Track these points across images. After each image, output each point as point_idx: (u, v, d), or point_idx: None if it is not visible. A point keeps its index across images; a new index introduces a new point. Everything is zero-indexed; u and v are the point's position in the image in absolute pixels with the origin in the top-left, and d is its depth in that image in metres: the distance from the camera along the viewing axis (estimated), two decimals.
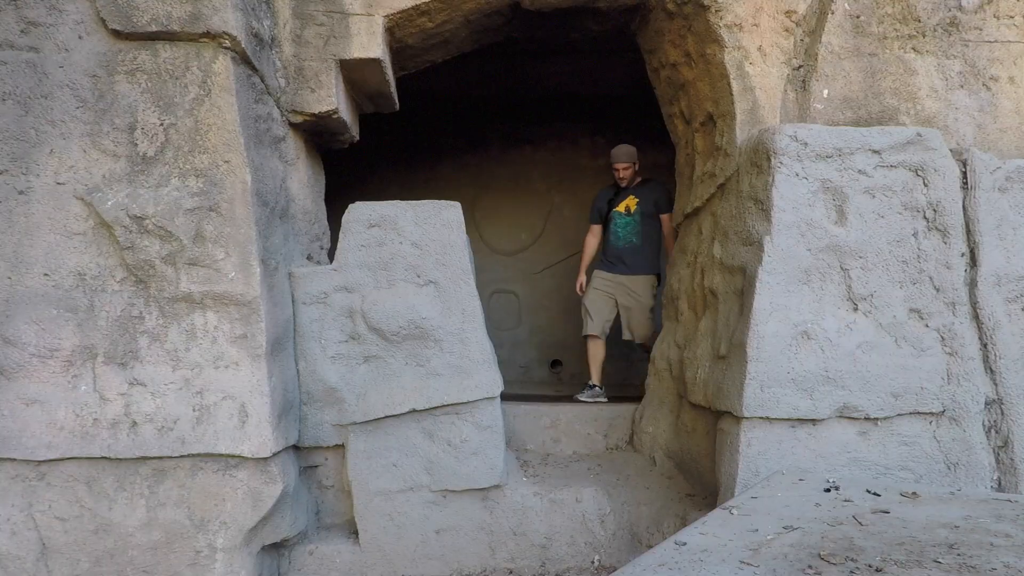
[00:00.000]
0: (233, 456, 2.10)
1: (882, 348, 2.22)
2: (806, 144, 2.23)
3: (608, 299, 3.74)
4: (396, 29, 2.65)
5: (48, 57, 2.02)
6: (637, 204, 3.77)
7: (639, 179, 3.86)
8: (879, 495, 0.91)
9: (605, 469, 2.95)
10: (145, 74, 2.05)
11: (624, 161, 3.73)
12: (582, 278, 3.87)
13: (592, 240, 3.92)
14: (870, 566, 0.66)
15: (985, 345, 2.28)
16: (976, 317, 2.29)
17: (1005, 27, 2.59)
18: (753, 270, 2.25)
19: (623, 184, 3.77)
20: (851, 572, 0.65)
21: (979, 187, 2.32)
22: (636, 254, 3.74)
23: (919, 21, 2.54)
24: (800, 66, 2.59)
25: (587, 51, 4.05)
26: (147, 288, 2.07)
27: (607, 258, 3.83)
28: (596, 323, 3.71)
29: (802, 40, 2.59)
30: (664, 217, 3.74)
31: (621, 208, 3.79)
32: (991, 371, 2.28)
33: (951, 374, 2.23)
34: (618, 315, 3.77)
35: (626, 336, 3.80)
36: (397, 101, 3.02)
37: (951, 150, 2.35)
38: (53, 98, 2.03)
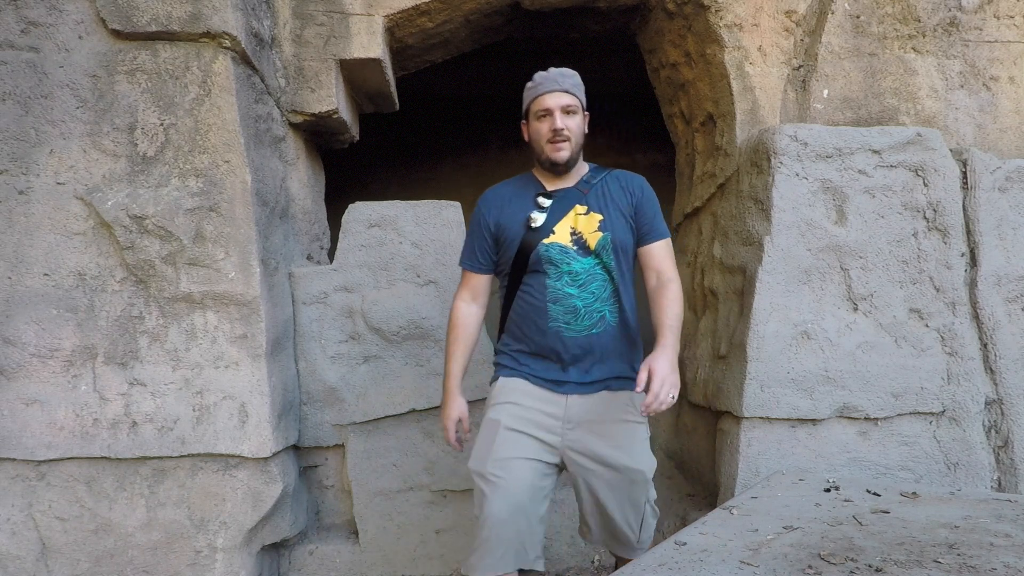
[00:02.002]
0: (233, 456, 2.10)
1: (882, 348, 2.22)
2: (806, 144, 2.23)
3: (538, 454, 1.62)
4: (396, 29, 2.65)
5: (48, 57, 2.02)
6: (602, 225, 1.68)
7: (586, 166, 1.79)
8: (879, 495, 0.91)
9: None
10: (145, 74, 2.05)
11: (564, 91, 1.68)
12: (453, 412, 1.76)
13: (468, 312, 1.80)
14: (870, 566, 0.66)
15: (985, 345, 2.28)
16: (976, 317, 2.29)
17: (1005, 27, 2.59)
18: (753, 270, 2.25)
19: (559, 161, 1.68)
20: (851, 572, 0.65)
21: (979, 187, 2.32)
22: (612, 347, 1.69)
23: (919, 21, 2.54)
24: (800, 66, 2.59)
25: (587, 51, 4.05)
26: (147, 288, 2.07)
27: (537, 353, 1.70)
28: (504, 544, 1.53)
29: (802, 40, 2.59)
30: (655, 248, 1.72)
31: (563, 236, 1.68)
32: (991, 371, 2.28)
33: (951, 374, 2.23)
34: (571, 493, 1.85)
35: (599, 539, 1.72)
36: (397, 101, 3.02)
37: (951, 150, 2.35)
38: (53, 98, 2.03)
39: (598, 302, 1.69)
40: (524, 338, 1.74)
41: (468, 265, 1.82)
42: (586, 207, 1.73)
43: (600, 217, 1.71)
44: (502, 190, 1.84)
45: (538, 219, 1.71)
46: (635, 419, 1.69)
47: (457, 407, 1.78)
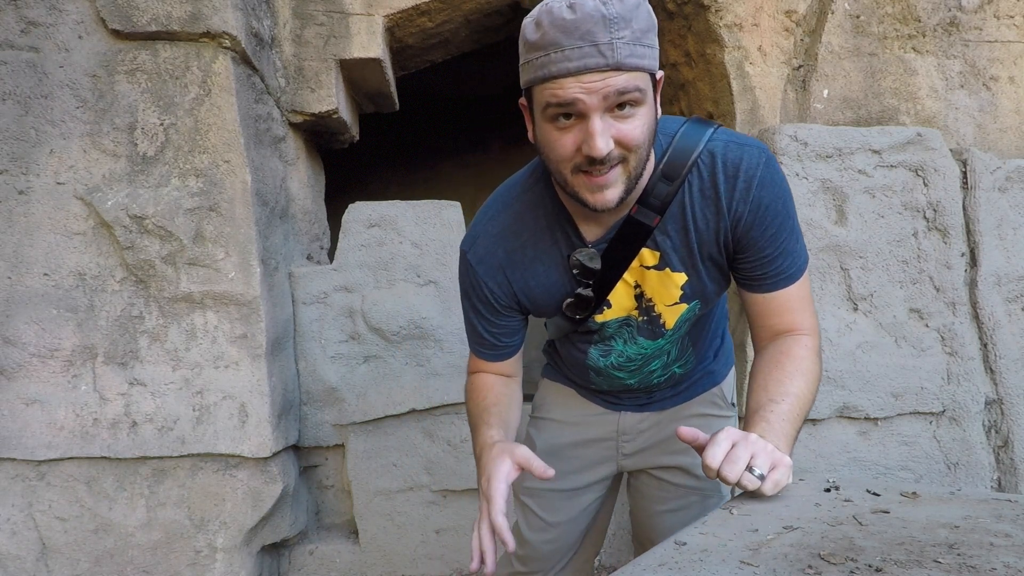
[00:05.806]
0: (233, 456, 2.10)
1: (882, 348, 2.22)
2: (806, 144, 2.23)
3: (579, 481, 1.32)
4: (396, 29, 2.65)
5: (48, 57, 2.02)
6: (687, 292, 1.04)
7: (652, 164, 0.95)
8: (879, 495, 0.91)
9: None
10: (145, 74, 2.05)
11: (614, 67, 0.77)
12: (498, 508, 0.91)
13: (496, 380, 1.18)
14: (870, 566, 0.66)
15: (985, 345, 2.28)
16: (976, 317, 2.29)
17: (1005, 27, 2.59)
18: None
19: (603, 207, 0.88)
20: (851, 572, 0.65)
21: (979, 187, 2.32)
22: (683, 381, 1.27)
23: (919, 21, 2.54)
24: (800, 66, 2.59)
25: None
26: (147, 288, 2.07)
27: (589, 385, 1.29)
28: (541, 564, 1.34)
29: (802, 40, 2.59)
30: (776, 299, 1.02)
31: (624, 303, 1.06)
32: (991, 371, 2.28)
33: (951, 374, 2.23)
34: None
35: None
36: (397, 101, 3.02)
37: (951, 150, 2.35)
38: (53, 98, 2.03)
39: (656, 374, 1.21)
40: (565, 369, 1.35)
41: (486, 356, 1.19)
42: (658, 255, 1.00)
43: (684, 278, 1.02)
44: (505, 239, 1.05)
45: (583, 303, 1.04)
46: (716, 412, 1.28)
47: (502, 470, 0.96)
